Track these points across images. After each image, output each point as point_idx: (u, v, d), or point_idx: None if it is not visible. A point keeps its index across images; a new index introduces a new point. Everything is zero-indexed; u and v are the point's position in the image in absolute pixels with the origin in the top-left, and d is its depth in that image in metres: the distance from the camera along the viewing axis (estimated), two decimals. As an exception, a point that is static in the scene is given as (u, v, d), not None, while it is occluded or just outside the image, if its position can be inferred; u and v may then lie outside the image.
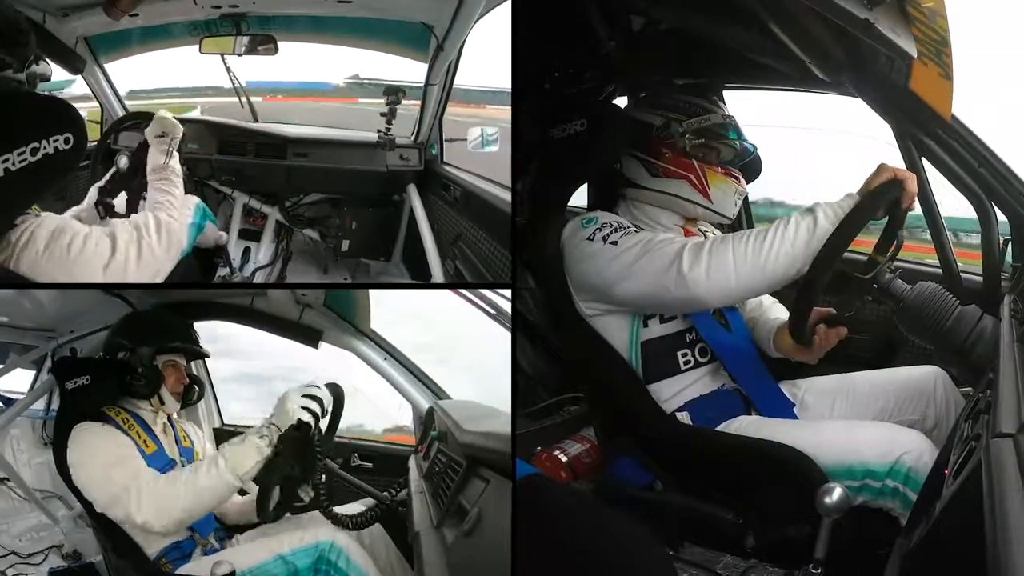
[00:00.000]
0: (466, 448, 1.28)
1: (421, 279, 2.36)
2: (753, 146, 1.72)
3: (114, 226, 1.27)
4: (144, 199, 1.66)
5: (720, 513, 1.40)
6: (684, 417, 1.54)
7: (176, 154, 1.56)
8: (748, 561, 1.44)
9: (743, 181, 1.69)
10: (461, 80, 2.24)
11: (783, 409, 1.57)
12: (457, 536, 1.14)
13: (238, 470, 1.40)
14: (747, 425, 1.50)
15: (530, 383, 2.03)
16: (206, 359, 1.97)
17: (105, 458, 1.45)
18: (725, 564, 1.51)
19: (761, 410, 1.57)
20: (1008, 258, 1.49)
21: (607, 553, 1.03)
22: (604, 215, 1.59)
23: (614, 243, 1.50)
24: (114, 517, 1.43)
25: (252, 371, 2.48)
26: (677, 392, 1.58)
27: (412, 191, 2.45)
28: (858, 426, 1.41)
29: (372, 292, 2.03)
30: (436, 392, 2.01)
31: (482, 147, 2.19)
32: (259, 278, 2.54)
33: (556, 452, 1.76)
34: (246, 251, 2.58)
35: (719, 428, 1.52)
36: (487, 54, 2.00)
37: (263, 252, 2.58)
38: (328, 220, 2.56)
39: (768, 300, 1.76)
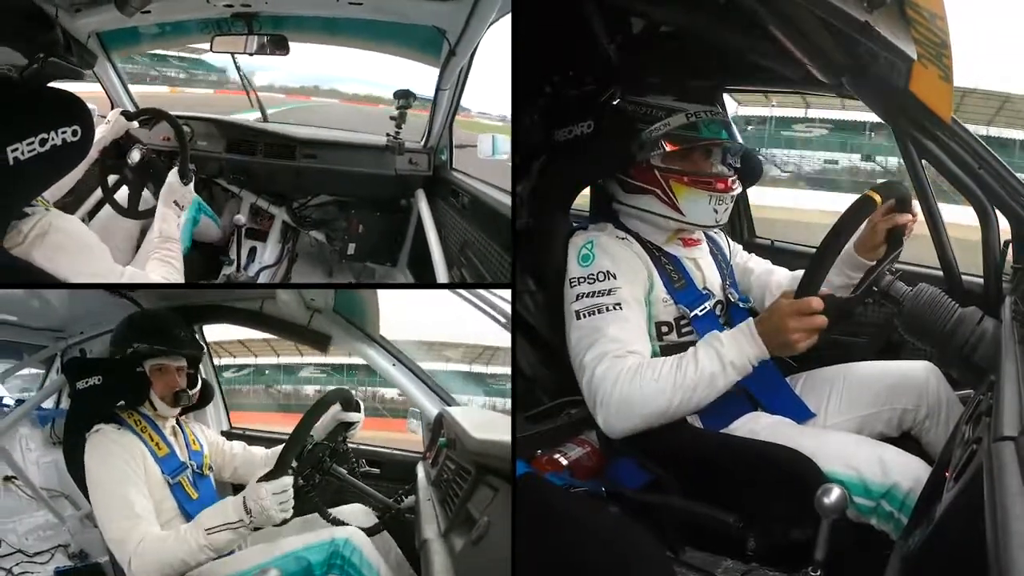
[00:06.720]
0: (475, 456, 1.28)
1: (427, 287, 2.34)
2: (741, 145, 1.64)
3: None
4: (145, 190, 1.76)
5: (722, 516, 1.39)
6: (695, 420, 1.52)
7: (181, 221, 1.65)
8: (748, 565, 1.43)
9: (730, 183, 1.59)
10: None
11: (796, 412, 1.56)
12: (465, 544, 1.14)
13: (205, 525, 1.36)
14: (753, 426, 1.50)
15: (529, 385, 2.02)
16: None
17: (113, 487, 1.42)
18: (725, 568, 1.51)
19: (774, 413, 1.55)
20: (1008, 259, 1.49)
21: (606, 556, 1.03)
22: (602, 251, 1.54)
23: (577, 314, 1.50)
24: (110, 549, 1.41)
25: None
26: None
27: (420, 196, 2.44)
28: (862, 442, 1.39)
29: (381, 298, 2.01)
30: (445, 398, 1.98)
31: (492, 155, 2.17)
32: (264, 278, 2.54)
33: (556, 455, 1.75)
34: (252, 251, 2.57)
35: (728, 428, 1.51)
36: (499, 60, 1.98)
37: (269, 252, 2.58)
38: (335, 223, 2.56)
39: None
